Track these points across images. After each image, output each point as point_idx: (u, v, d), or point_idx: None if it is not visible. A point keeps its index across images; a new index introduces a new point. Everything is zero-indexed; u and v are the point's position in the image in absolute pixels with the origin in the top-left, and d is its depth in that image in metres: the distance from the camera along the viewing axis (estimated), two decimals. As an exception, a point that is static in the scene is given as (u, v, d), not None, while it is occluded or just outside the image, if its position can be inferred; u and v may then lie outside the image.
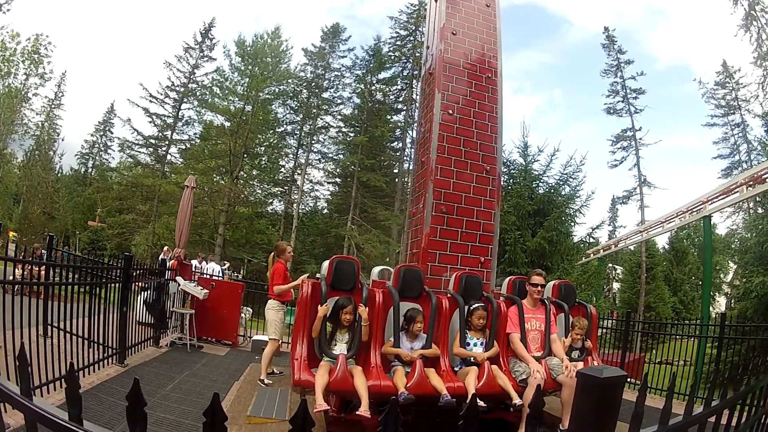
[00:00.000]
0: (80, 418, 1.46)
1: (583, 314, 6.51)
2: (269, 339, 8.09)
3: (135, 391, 1.36)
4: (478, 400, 4.67)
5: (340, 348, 5.17)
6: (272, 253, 8.54)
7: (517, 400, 5.05)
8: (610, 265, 41.70)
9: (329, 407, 4.67)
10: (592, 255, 25.53)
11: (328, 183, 42.52)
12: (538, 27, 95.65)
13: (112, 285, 7.64)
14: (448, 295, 5.96)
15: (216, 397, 1.31)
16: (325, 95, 39.58)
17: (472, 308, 5.61)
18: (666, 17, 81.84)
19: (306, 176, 39.87)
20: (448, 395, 4.80)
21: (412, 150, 33.62)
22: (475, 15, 7.48)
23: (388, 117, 39.91)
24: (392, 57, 40.48)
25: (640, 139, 37.47)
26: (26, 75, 38.75)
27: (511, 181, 17.01)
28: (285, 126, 40.59)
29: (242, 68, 38.13)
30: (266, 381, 7.60)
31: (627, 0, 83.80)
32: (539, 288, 6.03)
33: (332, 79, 39.91)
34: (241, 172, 37.46)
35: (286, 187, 40.71)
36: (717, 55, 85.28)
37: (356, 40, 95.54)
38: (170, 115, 38.06)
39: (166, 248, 17.54)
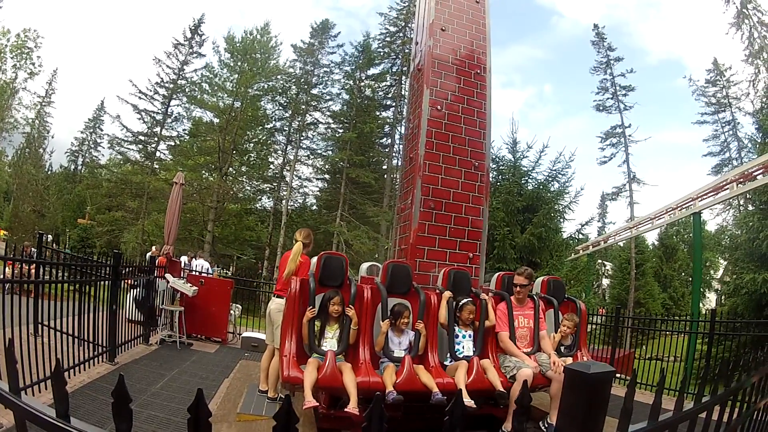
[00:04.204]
0: (68, 415, 1.47)
1: (572, 310, 6.54)
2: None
3: (120, 387, 1.36)
4: (468, 399, 4.70)
5: (330, 344, 5.18)
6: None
7: (498, 387, 5.08)
8: (600, 261, 41.88)
9: (318, 404, 4.67)
10: (581, 251, 25.63)
11: (317, 179, 42.52)
12: (528, 19, 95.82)
13: (102, 283, 7.62)
14: (437, 290, 5.97)
15: (200, 392, 1.32)
16: (314, 91, 39.29)
17: (462, 303, 5.64)
18: (658, 9, 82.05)
19: (295, 172, 39.65)
20: (439, 393, 4.82)
21: (401, 146, 33.62)
22: (465, 11, 7.50)
23: (377, 113, 39.84)
24: (381, 53, 40.41)
25: (630, 135, 37.70)
26: (15, 68, 38.64)
27: (500, 177, 17.10)
28: (274, 122, 40.41)
29: (231, 64, 37.98)
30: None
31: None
32: (518, 288, 6.05)
33: (321, 75, 39.64)
34: (230, 169, 37.31)
35: (275, 184, 40.50)
36: (708, 50, 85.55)
37: (343, 33, 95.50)
38: (159, 111, 37.75)
39: (154, 248, 17.48)
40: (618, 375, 10.60)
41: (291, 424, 1.32)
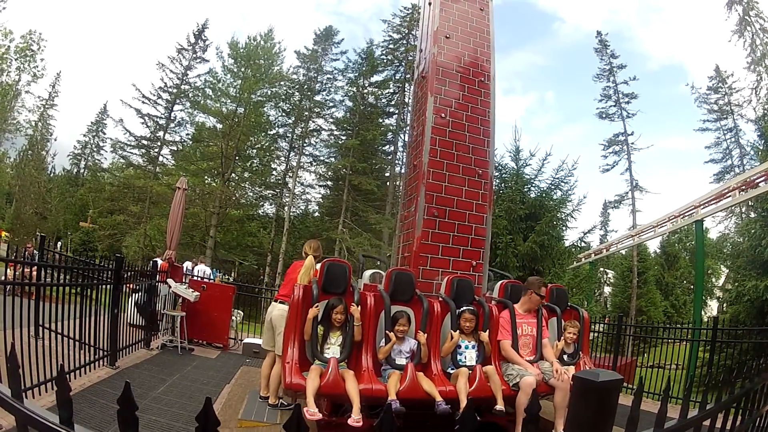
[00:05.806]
0: (71, 422, 1.45)
1: (574, 318, 6.52)
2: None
3: (126, 394, 1.35)
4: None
5: (333, 351, 5.15)
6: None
7: (499, 406, 5.04)
8: (602, 269, 41.84)
9: (321, 417, 4.64)
10: (583, 259, 25.60)
11: (320, 186, 42.60)
12: (530, 25, 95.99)
13: (104, 287, 7.61)
14: (440, 298, 5.95)
15: (208, 401, 1.30)
16: (317, 98, 39.32)
17: (459, 311, 5.62)
18: (660, 14, 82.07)
19: (297, 179, 39.75)
20: (443, 402, 4.79)
21: (404, 153, 33.47)
22: (469, 19, 7.51)
23: (380, 120, 39.75)
24: (385, 60, 40.40)
25: (632, 143, 37.73)
26: (18, 70, 38.81)
27: (502, 185, 17.03)
28: (277, 128, 40.40)
29: (235, 70, 37.98)
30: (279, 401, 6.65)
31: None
32: (543, 299, 6.08)
33: (324, 81, 39.71)
34: (233, 174, 37.29)
35: (277, 190, 40.57)
36: (710, 57, 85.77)
37: (344, 38, 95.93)
38: (162, 116, 37.99)
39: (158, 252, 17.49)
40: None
41: (301, 434, 1.31)
